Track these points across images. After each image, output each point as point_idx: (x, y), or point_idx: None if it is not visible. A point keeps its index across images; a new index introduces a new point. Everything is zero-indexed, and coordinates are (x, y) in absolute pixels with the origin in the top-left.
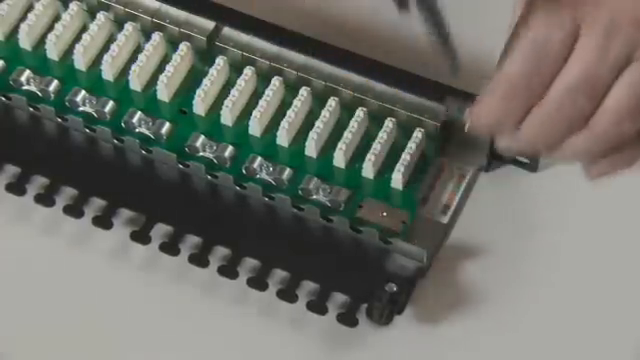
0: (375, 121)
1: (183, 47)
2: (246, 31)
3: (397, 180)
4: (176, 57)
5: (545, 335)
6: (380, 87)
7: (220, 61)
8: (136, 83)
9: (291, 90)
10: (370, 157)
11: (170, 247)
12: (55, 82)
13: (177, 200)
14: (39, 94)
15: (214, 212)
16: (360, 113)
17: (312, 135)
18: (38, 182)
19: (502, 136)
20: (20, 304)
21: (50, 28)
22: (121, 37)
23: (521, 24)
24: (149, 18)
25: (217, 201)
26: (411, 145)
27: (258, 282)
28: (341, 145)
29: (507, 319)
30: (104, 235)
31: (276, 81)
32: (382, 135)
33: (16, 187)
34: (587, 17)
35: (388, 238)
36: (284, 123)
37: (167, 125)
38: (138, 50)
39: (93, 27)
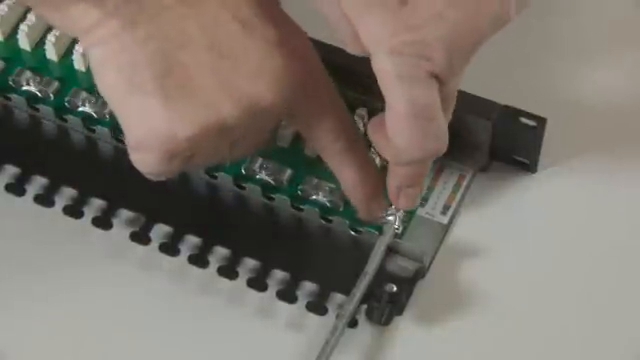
0: None
1: None
2: None
3: None
4: None
5: (545, 335)
6: None
7: None
8: None
9: None
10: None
11: (170, 247)
12: (55, 82)
13: (177, 200)
14: (39, 94)
15: (214, 212)
16: (361, 112)
17: None
18: (38, 182)
19: None
20: (20, 304)
21: (50, 28)
22: None
23: None
24: None
25: (217, 201)
26: None
27: (258, 282)
28: None
29: (507, 319)
30: (104, 235)
31: None
32: None
33: (16, 187)
34: None
35: None
36: (283, 123)
37: None
38: None
39: None
